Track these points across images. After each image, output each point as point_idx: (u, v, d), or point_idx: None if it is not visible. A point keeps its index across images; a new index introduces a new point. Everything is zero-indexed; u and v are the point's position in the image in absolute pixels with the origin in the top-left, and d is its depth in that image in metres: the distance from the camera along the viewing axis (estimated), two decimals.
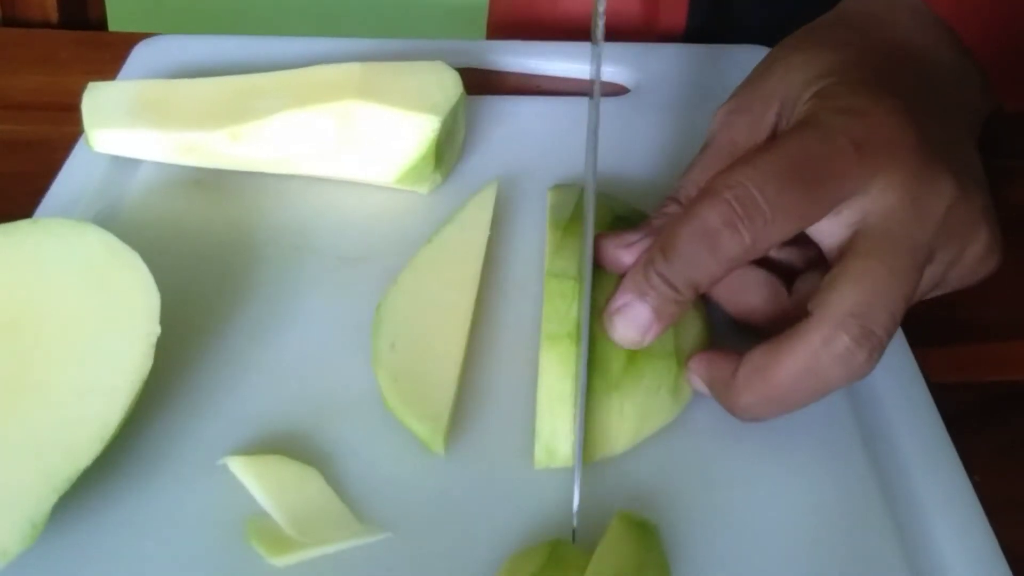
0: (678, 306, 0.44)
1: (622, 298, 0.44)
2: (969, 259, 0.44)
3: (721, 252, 0.42)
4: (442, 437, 0.44)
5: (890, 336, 0.41)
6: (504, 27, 0.89)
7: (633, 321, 0.44)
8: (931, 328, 0.50)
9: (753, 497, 0.45)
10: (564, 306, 0.46)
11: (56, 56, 0.71)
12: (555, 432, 0.44)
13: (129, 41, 0.69)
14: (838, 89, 0.44)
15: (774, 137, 0.46)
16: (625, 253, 0.47)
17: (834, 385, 0.42)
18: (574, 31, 0.80)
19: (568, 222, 0.51)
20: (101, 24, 0.81)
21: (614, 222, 0.51)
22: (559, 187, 0.55)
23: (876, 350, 0.41)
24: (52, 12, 0.77)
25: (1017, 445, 0.50)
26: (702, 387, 0.46)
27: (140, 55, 0.67)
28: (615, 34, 0.78)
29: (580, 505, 0.43)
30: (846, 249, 0.42)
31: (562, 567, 0.40)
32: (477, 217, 0.54)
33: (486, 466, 0.45)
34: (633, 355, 0.46)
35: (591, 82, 0.44)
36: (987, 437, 0.49)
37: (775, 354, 0.42)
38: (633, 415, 0.45)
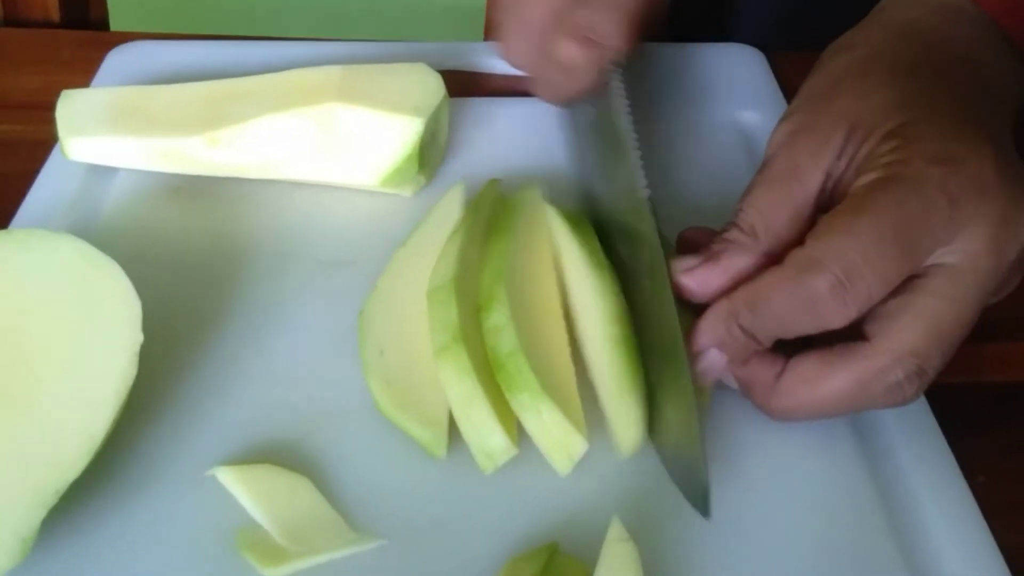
0: (754, 352, 0.44)
1: (700, 344, 0.44)
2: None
3: (823, 319, 0.41)
4: (444, 441, 0.44)
5: (936, 374, 0.42)
6: None
7: (709, 366, 0.44)
8: None
9: (751, 500, 0.44)
10: (445, 313, 0.46)
11: (58, 56, 0.71)
12: (481, 433, 0.44)
13: (131, 41, 0.69)
14: (927, 131, 0.43)
15: (855, 177, 0.44)
16: (686, 278, 0.45)
17: (876, 407, 0.43)
18: None
19: (457, 227, 0.51)
20: (103, 24, 0.80)
21: (493, 217, 0.52)
22: (489, 188, 0.55)
23: (923, 386, 0.42)
24: (54, 12, 0.77)
25: (1018, 446, 0.50)
26: (732, 382, 0.46)
27: (114, 61, 0.66)
28: None
29: (581, 507, 0.43)
30: (918, 283, 0.42)
31: (560, 571, 0.40)
32: (447, 217, 0.53)
33: (479, 470, 0.44)
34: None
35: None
36: (988, 438, 0.49)
37: (827, 369, 0.42)
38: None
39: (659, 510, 0.44)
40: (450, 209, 0.53)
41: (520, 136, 0.63)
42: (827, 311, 0.41)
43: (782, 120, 0.47)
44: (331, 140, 0.55)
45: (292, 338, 0.50)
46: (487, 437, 0.43)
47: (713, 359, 0.44)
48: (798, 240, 0.43)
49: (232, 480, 0.43)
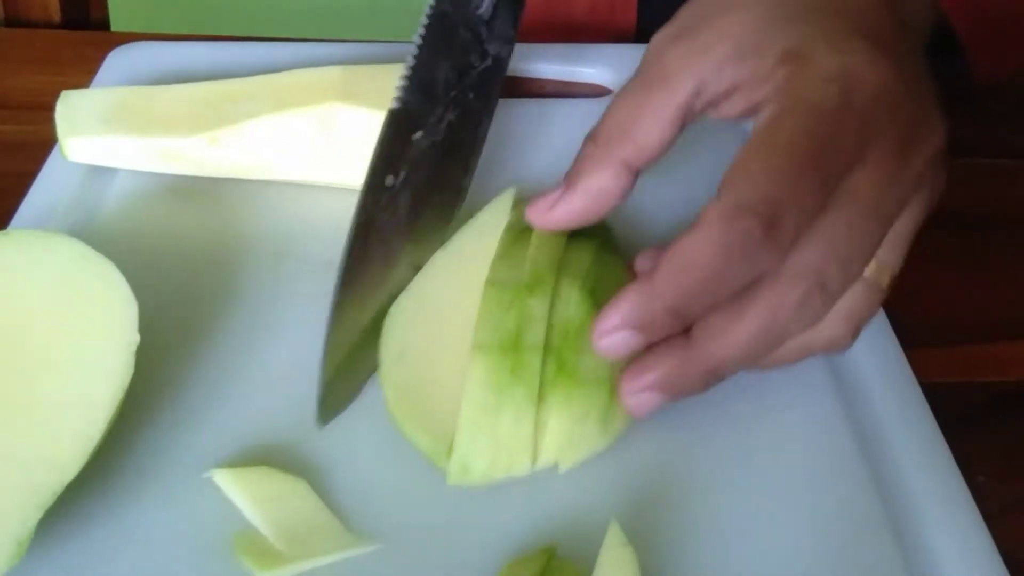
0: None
1: (611, 323, 0.41)
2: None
3: (758, 265, 0.39)
4: (448, 454, 0.43)
5: (844, 287, 0.40)
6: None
7: (618, 346, 0.41)
8: (931, 328, 0.50)
9: (748, 503, 0.44)
10: (500, 315, 0.44)
11: (58, 56, 0.71)
12: (473, 447, 0.42)
13: (131, 41, 0.69)
14: (821, 48, 0.41)
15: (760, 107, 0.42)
16: (538, 214, 0.45)
17: (794, 335, 0.41)
18: (570, 31, 0.79)
19: (521, 231, 0.49)
20: (103, 24, 0.81)
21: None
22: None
23: (829, 301, 0.40)
24: (54, 12, 0.77)
25: (1018, 446, 0.50)
26: (648, 401, 0.43)
27: (114, 62, 0.66)
28: (569, 33, 0.78)
29: (570, 511, 0.42)
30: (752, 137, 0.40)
31: (558, 575, 0.40)
32: (493, 222, 0.51)
33: None
34: (562, 373, 0.43)
35: None
36: (989, 438, 0.49)
37: (733, 313, 0.40)
38: (556, 437, 0.43)
39: (658, 514, 0.43)
40: (498, 213, 0.52)
41: (522, 138, 0.62)
42: (762, 255, 0.38)
43: (660, 30, 0.45)
44: (331, 141, 0.55)
45: (291, 339, 0.50)
46: (478, 453, 0.42)
47: (625, 340, 0.41)
48: (659, 154, 0.42)
49: (229, 483, 0.42)
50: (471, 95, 0.52)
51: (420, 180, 0.49)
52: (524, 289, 0.45)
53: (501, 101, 0.62)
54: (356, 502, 0.43)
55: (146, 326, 0.43)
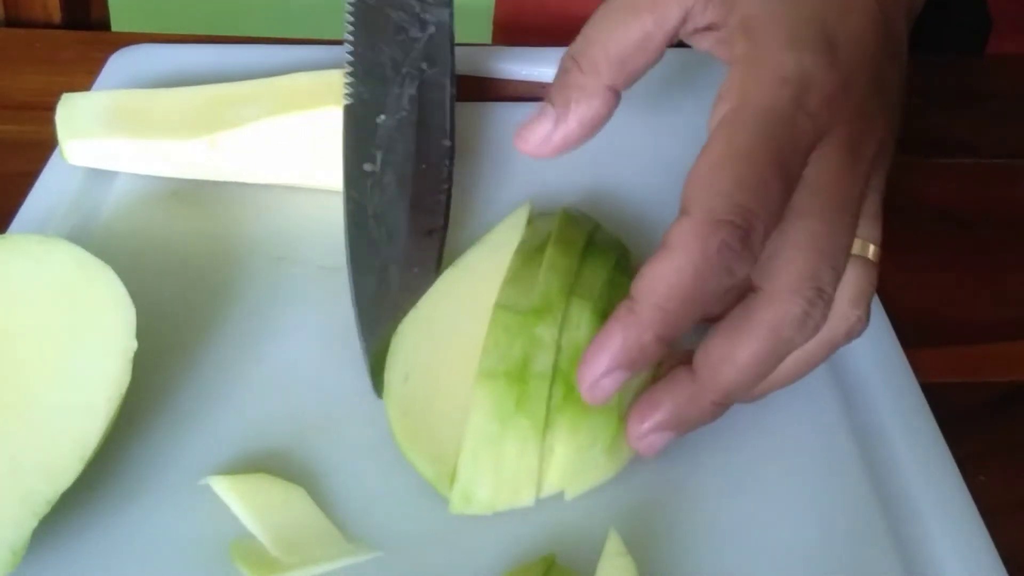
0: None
1: (602, 368, 0.39)
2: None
3: (734, 273, 0.38)
4: (449, 481, 0.42)
5: (835, 288, 0.40)
6: (510, 29, 0.88)
7: (610, 387, 0.40)
8: (931, 328, 0.50)
9: (748, 507, 0.44)
10: (507, 341, 0.43)
11: (59, 56, 0.71)
12: (476, 477, 0.41)
13: (131, 42, 0.69)
14: (773, 33, 0.41)
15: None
16: (529, 140, 0.44)
17: (798, 347, 0.40)
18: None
19: (534, 250, 0.48)
20: (104, 24, 0.81)
21: (587, 247, 0.49)
22: (543, 214, 0.53)
23: (829, 304, 0.40)
24: (55, 12, 0.77)
25: (1018, 446, 0.49)
26: (658, 441, 0.42)
27: (115, 65, 0.66)
28: (569, 35, 0.78)
29: (569, 520, 0.42)
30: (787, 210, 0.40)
31: None
32: (506, 239, 0.50)
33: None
34: (570, 399, 0.42)
35: None
36: (988, 438, 0.48)
37: (736, 337, 0.40)
38: (562, 466, 0.42)
39: (657, 524, 0.43)
40: (511, 231, 0.51)
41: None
42: (740, 264, 0.38)
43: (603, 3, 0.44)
44: (331, 144, 0.54)
45: (289, 345, 0.49)
46: (480, 483, 0.42)
47: (616, 381, 0.39)
48: (638, 75, 0.42)
49: (226, 490, 0.42)
50: (424, 64, 0.54)
51: (401, 156, 0.51)
52: (533, 315, 0.44)
53: (501, 105, 0.62)
54: (354, 510, 0.43)
55: (144, 330, 0.43)
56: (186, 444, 0.45)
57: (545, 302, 0.45)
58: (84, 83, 0.63)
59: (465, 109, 0.62)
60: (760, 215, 0.38)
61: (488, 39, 0.89)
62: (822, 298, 0.39)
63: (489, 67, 0.68)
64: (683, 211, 0.38)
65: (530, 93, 0.68)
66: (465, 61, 0.68)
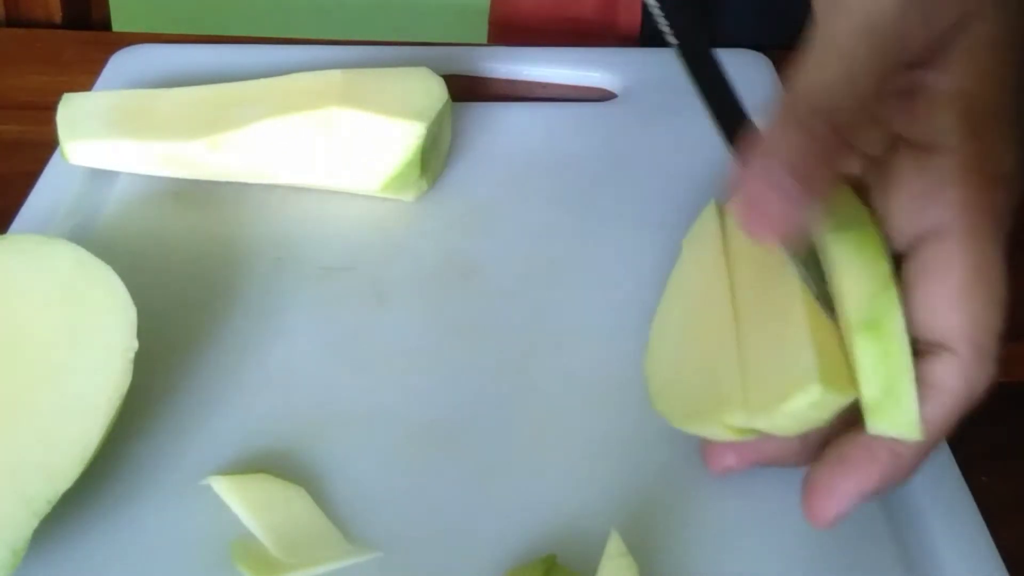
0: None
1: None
2: None
3: None
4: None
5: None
6: (506, 29, 0.88)
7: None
8: None
9: (748, 509, 0.44)
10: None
11: (59, 56, 0.71)
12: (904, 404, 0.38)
13: (132, 42, 0.69)
14: (993, 128, 0.38)
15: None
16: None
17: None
18: (576, 32, 0.79)
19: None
20: (105, 24, 0.81)
21: None
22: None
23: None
24: (56, 12, 0.77)
25: (1018, 446, 0.49)
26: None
27: (117, 65, 0.66)
28: (573, 37, 0.78)
29: (570, 520, 0.42)
30: (942, 266, 0.38)
31: None
32: (709, 235, 0.48)
33: (477, 482, 0.44)
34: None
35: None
36: (989, 438, 0.48)
37: (946, 412, 0.39)
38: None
39: (659, 525, 0.43)
40: (708, 224, 0.49)
41: (523, 141, 0.62)
42: None
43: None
44: (332, 144, 0.54)
45: (290, 345, 0.49)
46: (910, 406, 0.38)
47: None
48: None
49: (227, 490, 0.42)
50: None
51: None
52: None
53: (503, 106, 0.62)
54: (355, 510, 0.43)
55: (145, 331, 0.43)
56: (186, 444, 0.45)
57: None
58: (85, 82, 0.63)
59: (460, 109, 0.62)
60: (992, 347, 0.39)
61: (484, 39, 0.89)
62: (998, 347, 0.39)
63: (485, 67, 0.68)
64: (958, 343, 0.39)
65: (526, 93, 0.68)
66: (461, 61, 0.68)
